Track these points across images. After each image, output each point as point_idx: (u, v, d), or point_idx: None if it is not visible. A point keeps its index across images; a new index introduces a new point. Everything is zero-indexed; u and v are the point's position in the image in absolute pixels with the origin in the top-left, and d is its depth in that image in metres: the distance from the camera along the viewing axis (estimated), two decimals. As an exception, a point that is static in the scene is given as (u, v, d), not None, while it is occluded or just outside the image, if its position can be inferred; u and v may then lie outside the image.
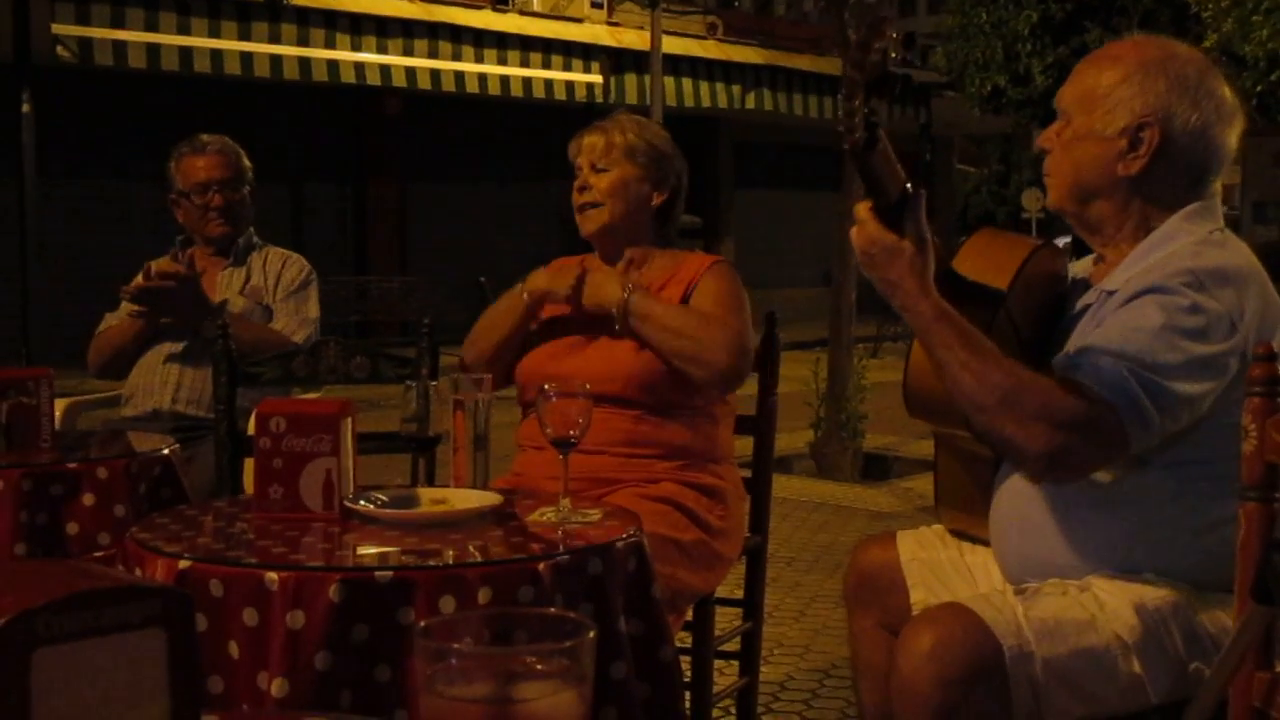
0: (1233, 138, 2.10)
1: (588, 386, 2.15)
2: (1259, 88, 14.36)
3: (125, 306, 3.74)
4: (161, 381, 3.68)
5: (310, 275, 3.93)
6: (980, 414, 1.93)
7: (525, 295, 2.83)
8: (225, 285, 3.84)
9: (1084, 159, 2.10)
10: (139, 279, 3.67)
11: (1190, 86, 2.05)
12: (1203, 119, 2.05)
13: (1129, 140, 2.06)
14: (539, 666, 0.87)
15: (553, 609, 1.38)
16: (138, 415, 3.67)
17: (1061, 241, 2.60)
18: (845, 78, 1.86)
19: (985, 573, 2.25)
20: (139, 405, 3.68)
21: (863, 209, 2.01)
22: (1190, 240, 2.03)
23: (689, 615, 2.72)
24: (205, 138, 3.92)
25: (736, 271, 2.89)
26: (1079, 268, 2.28)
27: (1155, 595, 1.94)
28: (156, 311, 3.65)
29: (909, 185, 1.98)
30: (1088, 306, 2.11)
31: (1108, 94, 2.07)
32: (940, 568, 2.29)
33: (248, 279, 3.85)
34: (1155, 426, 1.89)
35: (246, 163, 3.93)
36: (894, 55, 1.88)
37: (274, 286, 3.85)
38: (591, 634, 0.88)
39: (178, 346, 3.70)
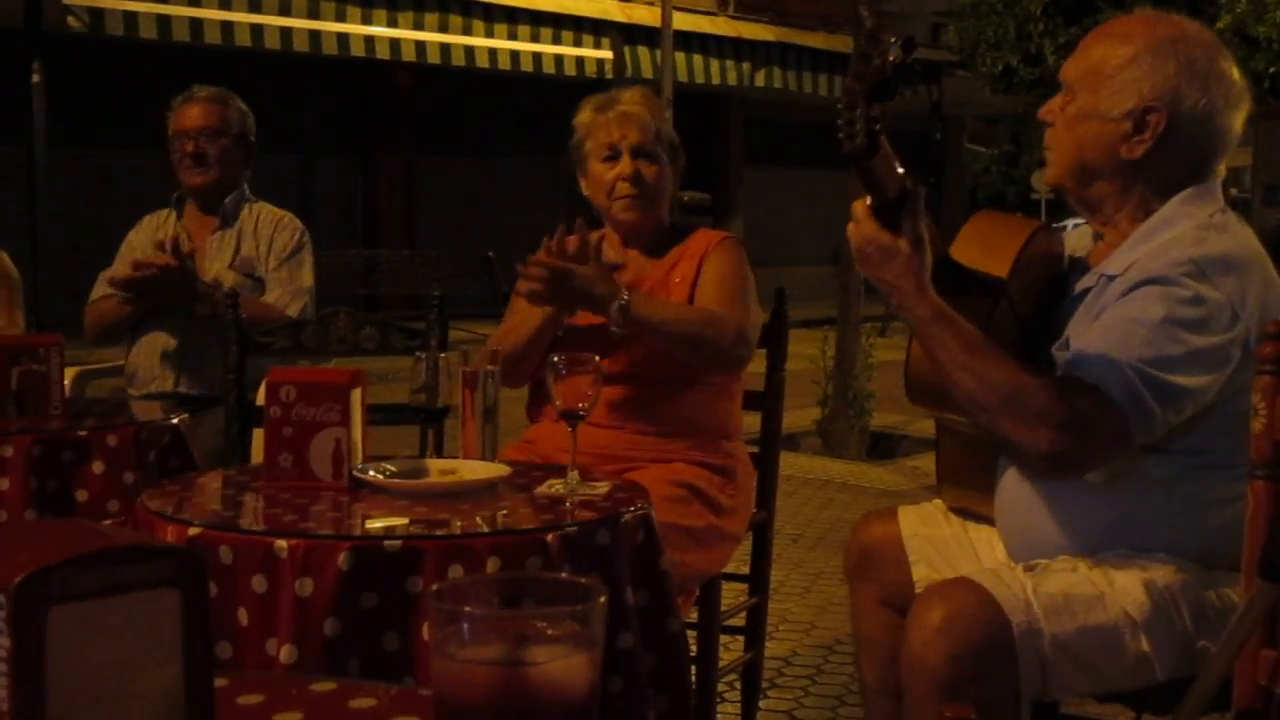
0: (1239, 121, 2.08)
1: (597, 358, 2.16)
2: (1272, 69, 14.28)
3: (118, 267, 3.72)
4: (162, 370, 3.65)
5: (303, 239, 3.82)
6: (981, 414, 1.92)
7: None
8: (215, 250, 3.76)
9: (1087, 138, 2.07)
10: (127, 267, 3.62)
11: (1200, 70, 2.02)
12: (1210, 104, 2.02)
13: (1134, 123, 2.03)
14: (550, 630, 0.88)
15: (564, 574, 1.38)
16: (143, 395, 3.65)
17: (1072, 223, 2.56)
18: (846, 89, 1.84)
19: (989, 548, 2.25)
20: (142, 387, 3.66)
21: (860, 207, 1.99)
22: (1191, 225, 2.01)
23: (696, 592, 2.72)
24: (201, 89, 3.85)
25: (743, 248, 2.88)
26: (1076, 243, 2.26)
27: (1165, 572, 1.94)
28: (146, 297, 3.60)
29: (907, 183, 1.96)
30: (1087, 290, 2.09)
31: (1115, 73, 2.04)
32: (943, 543, 2.29)
33: (238, 248, 3.76)
34: (1158, 421, 1.89)
35: (239, 115, 3.83)
36: (893, 59, 1.87)
37: (266, 254, 3.76)
38: (602, 599, 0.88)
39: (173, 339, 3.65)
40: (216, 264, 3.74)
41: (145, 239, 3.80)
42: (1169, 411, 1.89)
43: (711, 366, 2.70)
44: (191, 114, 3.78)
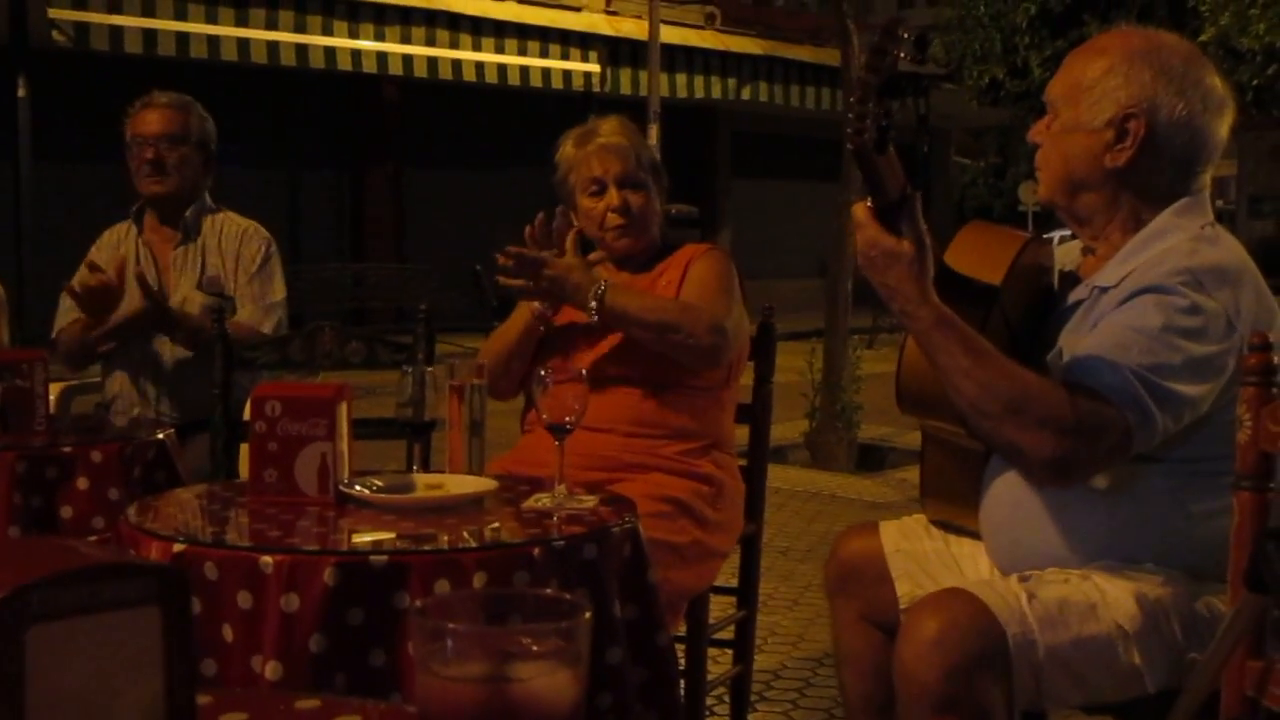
0: (1222, 128, 2.08)
1: (584, 371, 2.15)
2: (1255, 81, 14.35)
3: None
4: (142, 398, 3.59)
5: (270, 249, 3.73)
6: (984, 420, 1.92)
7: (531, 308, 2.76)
8: (181, 268, 3.67)
9: (1072, 151, 2.09)
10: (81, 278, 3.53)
11: (1176, 76, 2.04)
12: (1189, 109, 2.04)
13: (1115, 131, 2.04)
14: (534, 647, 0.87)
15: (548, 590, 1.38)
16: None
17: (1059, 235, 2.59)
18: (858, 80, 1.85)
19: (972, 563, 2.24)
20: (123, 414, 3.60)
21: (861, 210, 1.98)
22: (1184, 236, 2.02)
23: (684, 608, 2.71)
24: (161, 94, 3.78)
25: (729, 257, 2.89)
26: (1064, 258, 2.27)
27: (1155, 584, 1.94)
28: (120, 333, 3.52)
29: (907, 188, 1.96)
30: (1079, 303, 2.09)
31: (1094, 85, 2.06)
32: (925, 559, 2.28)
33: (203, 266, 3.67)
34: (1158, 427, 1.89)
35: (200, 123, 3.74)
36: (904, 56, 1.87)
37: (233, 269, 3.67)
38: (587, 615, 0.88)
39: (149, 365, 3.59)
40: (183, 281, 3.66)
41: (107, 256, 3.71)
42: (1168, 417, 1.89)
43: (688, 357, 2.68)
44: (150, 119, 3.70)
